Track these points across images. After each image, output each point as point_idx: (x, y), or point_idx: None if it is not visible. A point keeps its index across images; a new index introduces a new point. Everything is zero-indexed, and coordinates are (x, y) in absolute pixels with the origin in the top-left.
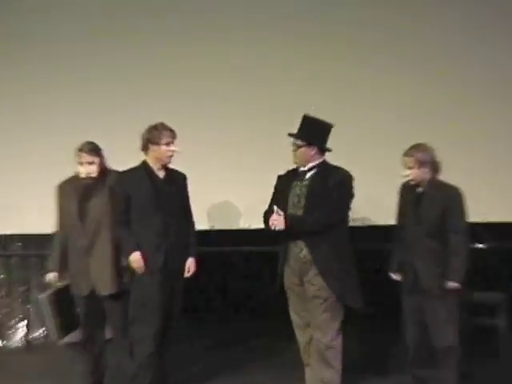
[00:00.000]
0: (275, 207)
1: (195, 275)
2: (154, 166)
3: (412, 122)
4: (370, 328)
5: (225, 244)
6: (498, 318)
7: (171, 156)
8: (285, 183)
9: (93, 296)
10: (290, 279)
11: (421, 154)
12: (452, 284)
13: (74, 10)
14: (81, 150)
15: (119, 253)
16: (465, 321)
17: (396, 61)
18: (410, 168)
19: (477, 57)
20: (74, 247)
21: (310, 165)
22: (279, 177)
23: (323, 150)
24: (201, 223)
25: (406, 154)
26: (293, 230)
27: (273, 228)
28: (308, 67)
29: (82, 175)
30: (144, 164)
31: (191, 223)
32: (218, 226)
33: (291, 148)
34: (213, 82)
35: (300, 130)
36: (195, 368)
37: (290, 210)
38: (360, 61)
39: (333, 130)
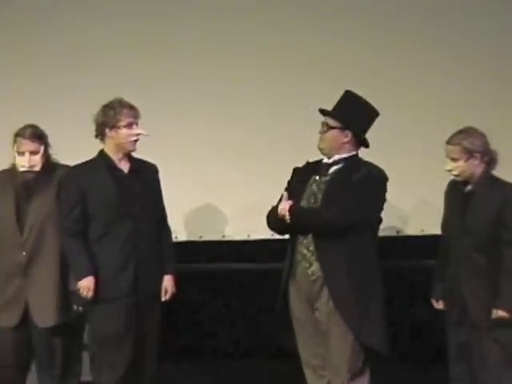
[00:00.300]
0: (284, 193)
1: (173, 298)
2: (115, 156)
3: (456, 107)
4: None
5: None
6: None
7: (135, 141)
8: (301, 178)
9: (25, 328)
10: (296, 305)
11: (469, 142)
12: (502, 313)
13: None
14: (21, 135)
15: (67, 272)
16: None
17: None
18: (454, 160)
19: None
20: (3, 263)
21: (337, 157)
22: (295, 170)
23: (360, 140)
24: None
25: (451, 141)
26: (299, 222)
27: (280, 216)
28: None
29: (22, 168)
30: (101, 155)
31: (166, 230)
32: (207, 237)
33: (319, 129)
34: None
35: (337, 107)
36: None
37: None
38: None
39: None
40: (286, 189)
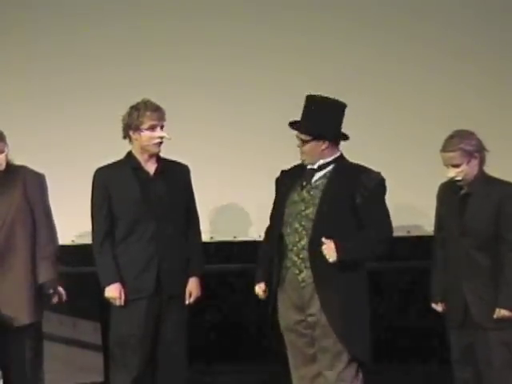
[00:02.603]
0: (323, 239)
1: (198, 301)
2: (141, 157)
3: (442, 109)
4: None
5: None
6: None
7: (159, 143)
8: (286, 183)
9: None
10: (286, 315)
11: (466, 144)
12: (505, 312)
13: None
14: None
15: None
16: None
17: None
18: (456, 166)
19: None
20: None
21: (322, 161)
22: (283, 172)
23: (338, 139)
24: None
25: (447, 148)
26: (350, 258)
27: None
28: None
29: None
30: (128, 156)
31: (195, 232)
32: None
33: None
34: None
35: (304, 119)
36: None
37: (289, 219)
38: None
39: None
40: (276, 195)
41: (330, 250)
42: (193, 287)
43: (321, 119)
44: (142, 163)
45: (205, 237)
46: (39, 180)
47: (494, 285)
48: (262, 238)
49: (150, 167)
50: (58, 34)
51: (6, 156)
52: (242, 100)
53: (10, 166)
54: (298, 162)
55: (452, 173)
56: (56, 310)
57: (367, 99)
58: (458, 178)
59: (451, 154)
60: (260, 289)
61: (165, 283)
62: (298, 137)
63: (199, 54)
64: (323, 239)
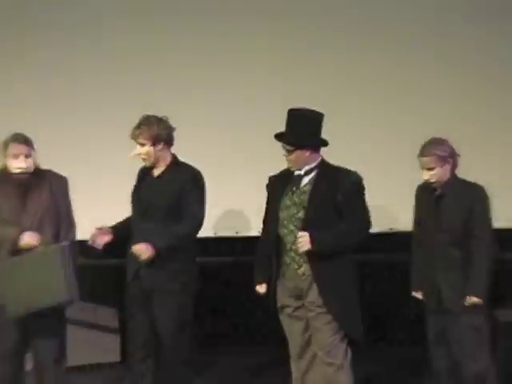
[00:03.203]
0: (299, 232)
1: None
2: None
3: (424, 114)
4: (387, 350)
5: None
6: None
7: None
8: (277, 188)
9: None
10: (284, 302)
11: (440, 150)
12: (472, 299)
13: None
14: (14, 140)
15: None
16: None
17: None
18: (430, 169)
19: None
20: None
21: (307, 167)
22: (270, 179)
23: (319, 147)
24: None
25: (424, 153)
26: (326, 249)
27: (300, 250)
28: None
29: (17, 170)
30: None
31: (183, 221)
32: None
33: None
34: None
35: (287, 131)
36: None
37: (284, 222)
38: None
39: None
40: (267, 200)
41: (303, 242)
42: (137, 248)
43: (302, 130)
44: (153, 169)
45: (208, 232)
46: (63, 183)
47: (465, 275)
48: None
49: (157, 171)
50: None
51: (34, 160)
52: (244, 105)
53: (37, 170)
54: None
55: (427, 175)
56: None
57: (363, 102)
58: (432, 180)
59: (426, 159)
60: (261, 288)
61: (145, 272)
62: (284, 147)
63: (204, 62)
64: (299, 232)
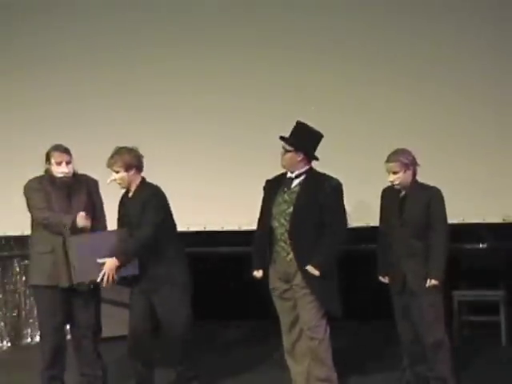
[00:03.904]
0: (307, 267)
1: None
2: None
3: (392, 127)
4: (362, 325)
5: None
6: (500, 315)
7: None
8: (272, 189)
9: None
10: (275, 284)
11: (404, 158)
12: (434, 282)
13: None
14: (57, 149)
15: None
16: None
17: (373, 70)
18: (395, 173)
19: (453, 58)
20: (51, 242)
21: (297, 172)
22: (267, 181)
23: (310, 157)
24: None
25: (390, 159)
26: (327, 265)
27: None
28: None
29: (60, 174)
30: None
31: (136, 233)
32: (210, 227)
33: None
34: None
35: (291, 135)
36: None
37: (276, 216)
38: (348, 72)
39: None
40: (263, 199)
41: (313, 271)
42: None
43: (302, 139)
44: (130, 190)
45: (198, 227)
46: (96, 184)
47: (425, 262)
48: (241, 229)
49: (131, 192)
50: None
51: (73, 166)
52: (233, 109)
53: (75, 174)
54: (279, 169)
55: (391, 178)
56: None
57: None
58: (396, 183)
59: (392, 164)
60: (258, 273)
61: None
62: (283, 147)
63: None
64: (307, 267)
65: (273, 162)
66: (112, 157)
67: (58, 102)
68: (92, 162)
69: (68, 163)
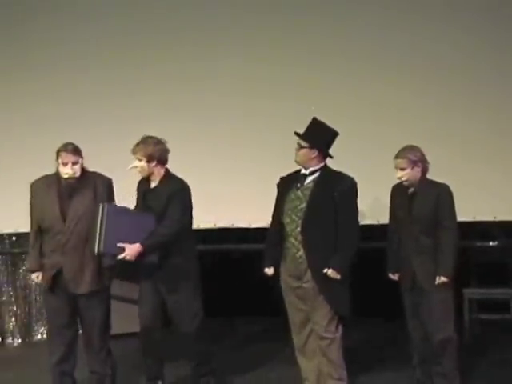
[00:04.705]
0: (325, 270)
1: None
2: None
3: (402, 124)
4: (373, 323)
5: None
6: (510, 313)
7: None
8: (285, 185)
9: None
10: (286, 281)
11: (412, 155)
12: (442, 279)
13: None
14: (64, 150)
15: None
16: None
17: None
18: (402, 169)
19: (465, 60)
20: (50, 242)
21: (311, 169)
22: (281, 178)
23: (325, 155)
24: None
25: (398, 155)
26: (346, 266)
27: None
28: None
29: (65, 175)
30: None
31: (161, 225)
32: (221, 224)
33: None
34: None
35: (306, 131)
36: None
37: (288, 212)
38: (357, 70)
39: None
40: (277, 195)
41: (333, 274)
42: (128, 247)
43: (318, 136)
44: (151, 181)
45: (209, 224)
46: (107, 183)
47: (434, 259)
48: (251, 226)
49: (153, 183)
50: None
51: (81, 165)
52: (243, 108)
53: (84, 172)
54: (288, 167)
55: (399, 174)
56: (117, 278)
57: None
58: (404, 179)
59: (400, 160)
60: (269, 270)
61: (160, 267)
62: (298, 143)
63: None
64: (325, 270)
65: (284, 159)
66: (137, 144)
67: (58, 102)
68: (94, 161)
69: (74, 164)
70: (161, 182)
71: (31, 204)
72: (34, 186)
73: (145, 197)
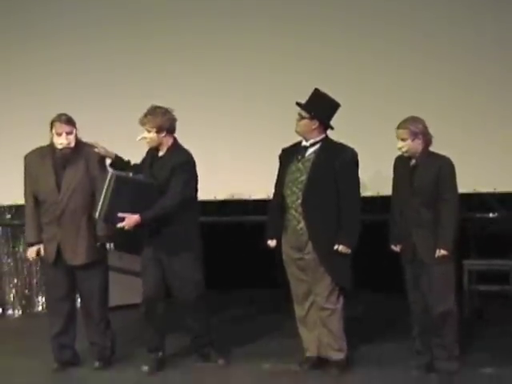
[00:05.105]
0: (335, 246)
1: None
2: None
3: (405, 96)
4: (373, 295)
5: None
6: (510, 284)
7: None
8: (287, 157)
9: (63, 265)
10: (287, 253)
11: (414, 126)
12: (443, 252)
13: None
14: (58, 120)
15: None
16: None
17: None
18: (403, 140)
19: (465, 32)
20: (46, 214)
21: (312, 140)
22: (283, 150)
23: (326, 126)
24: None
25: (400, 126)
26: (355, 239)
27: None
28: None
29: (60, 146)
30: None
31: (164, 195)
32: (220, 197)
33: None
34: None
35: (307, 102)
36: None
37: (289, 184)
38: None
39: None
40: (279, 167)
41: (344, 249)
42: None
43: (318, 106)
44: (160, 150)
45: (209, 196)
46: (99, 156)
47: (434, 232)
48: (252, 198)
49: (161, 153)
50: None
51: (75, 136)
52: (252, 83)
53: (78, 144)
54: (289, 138)
55: (399, 145)
56: (117, 249)
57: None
58: (404, 150)
59: (401, 131)
60: (272, 242)
61: (157, 238)
62: (299, 113)
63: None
64: (335, 246)
65: (285, 130)
66: (145, 116)
67: (57, 75)
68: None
69: (69, 134)
70: (168, 151)
71: (26, 176)
72: (28, 159)
73: (152, 165)
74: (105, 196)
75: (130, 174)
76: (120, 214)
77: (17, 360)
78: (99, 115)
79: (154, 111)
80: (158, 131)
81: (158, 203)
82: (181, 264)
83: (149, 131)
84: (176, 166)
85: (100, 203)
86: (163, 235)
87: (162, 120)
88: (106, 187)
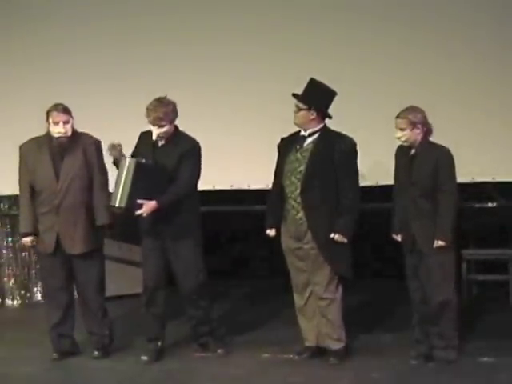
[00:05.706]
0: (331, 235)
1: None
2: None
3: (404, 85)
4: (373, 284)
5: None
6: (508, 274)
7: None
8: (286, 147)
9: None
10: (287, 243)
11: (413, 116)
12: (441, 243)
13: None
14: (55, 109)
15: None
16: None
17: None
18: (402, 129)
19: (464, 14)
20: (43, 204)
21: (311, 130)
22: (282, 140)
23: (324, 115)
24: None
25: (399, 115)
26: (351, 230)
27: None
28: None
29: (57, 134)
30: None
31: (174, 183)
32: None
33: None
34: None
35: (303, 92)
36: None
37: (288, 174)
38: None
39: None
40: (278, 157)
41: (340, 238)
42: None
43: (315, 96)
44: (157, 139)
45: (208, 185)
46: (96, 145)
47: (433, 222)
48: (251, 187)
49: (160, 142)
50: None
51: (72, 125)
52: (253, 75)
53: (74, 133)
54: (287, 128)
55: (398, 134)
56: (116, 239)
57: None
58: (403, 139)
59: (400, 120)
60: (271, 231)
61: (163, 223)
62: (296, 105)
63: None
64: (331, 235)
65: (283, 120)
66: (155, 111)
67: (57, 59)
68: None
69: (66, 123)
70: (171, 139)
71: (21, 167)
72: (24, 149)
73: (154, 153)
74: (124, 183)
75: (143, 161)
76: (139, 201)
77: (16, 350)
78: (99, 107)
79: (165, 105)
80: (171, 122)
81: (171, 189)
82: (187, 249)
83: (163, 126)
84: (185, 153)
85: (120, 191)
86: (168, 223)
87: (172, 110)
88: (125, 174)
